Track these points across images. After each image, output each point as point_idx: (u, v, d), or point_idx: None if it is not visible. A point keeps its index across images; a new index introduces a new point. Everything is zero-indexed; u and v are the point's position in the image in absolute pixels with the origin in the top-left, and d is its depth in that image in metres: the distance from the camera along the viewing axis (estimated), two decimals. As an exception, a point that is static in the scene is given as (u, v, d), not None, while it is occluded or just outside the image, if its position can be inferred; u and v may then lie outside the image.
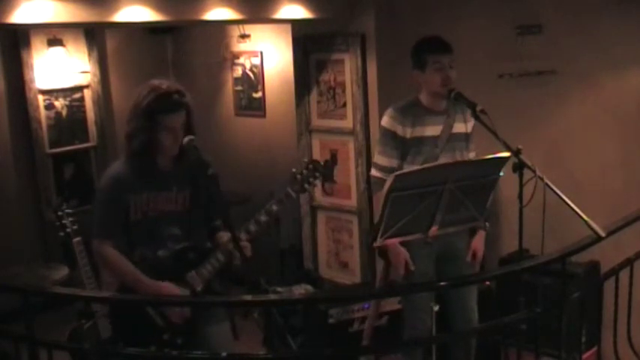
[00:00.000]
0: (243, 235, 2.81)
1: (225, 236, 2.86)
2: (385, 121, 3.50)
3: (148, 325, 2.82)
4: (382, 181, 3.40)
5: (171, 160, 2.85)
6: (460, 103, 3.34)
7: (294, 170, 3.01)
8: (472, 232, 3.56)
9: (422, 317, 3.44)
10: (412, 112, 3.45)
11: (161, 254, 2.85)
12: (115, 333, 3.01)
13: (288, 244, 5.75)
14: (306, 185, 2.99)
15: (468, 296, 3.57)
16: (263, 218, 2.86)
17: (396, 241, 3.22)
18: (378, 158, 3.52)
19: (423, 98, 3.49)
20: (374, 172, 3.53)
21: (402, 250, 3.42)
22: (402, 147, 3.44)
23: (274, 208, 2.88)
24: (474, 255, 3.57)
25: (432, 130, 3.45)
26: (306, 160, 3.01)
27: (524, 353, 2.96)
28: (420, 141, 3.44)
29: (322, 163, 3.04)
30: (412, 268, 3.41)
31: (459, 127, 3.51)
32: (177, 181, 2.86)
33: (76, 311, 3.99)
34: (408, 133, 3.43)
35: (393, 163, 3.44)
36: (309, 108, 5.36)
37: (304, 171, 2.98)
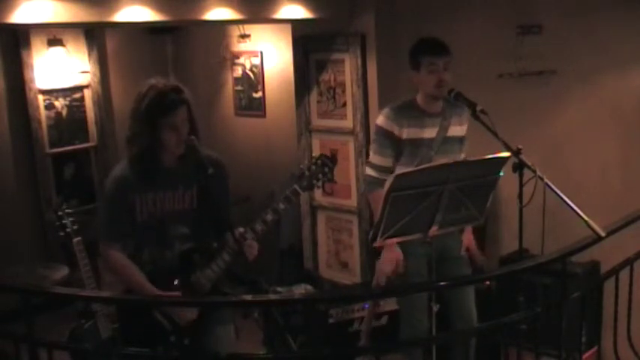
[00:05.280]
0: (249, 234, 2.77)
1: (238, 233, 2.78)
2: (381, 120, 3.49)
3: (155, 328, 2.80)
4: (377, 180, 3.41)
5: (176, 159, 2.80)
6: (457, 105, 3.34)
7: (301, 166, 2.96)
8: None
9: (419, 317, 3.43)
10: (408, 113, 3.45)
11: (168, 255, 2.82)
12: (122, 335, 2.98)
13: (288, 244, 5.75)
14: (315, 181, 2.91)
15: (465, 296, 3.57)
16: (270, 217, 2.81)
17: (394, 241, 3.22)
18: (373, 157, 3.52)
19: (420, 99, 3.49)
20: (369, 171, 3.53)
21: (397, 250, 3.41)
22: (398, 146, 3.44)
23: (281, 206, 2.82)
24: (468, 249, 3.57)
25: (428, 132, 3.45)
26: (314, 155, 2.94)
27: (524, 353, 2.95)
28: (415, 143, 3.44)
29: (329, 156, 2.97)
30: (401, 270, 3.41)
31: (455, 131, 3.51)
32: (184, 179, 2.81)
33: (76, 311, 3.99)
34: (404, 133, 3.43)
35: (388, 162, 3.44)
36: (309, 108, 5.36)
37: (312, 167, 2.91)
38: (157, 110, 2.69)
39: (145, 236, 2.82)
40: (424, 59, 3.39)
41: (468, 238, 3.59)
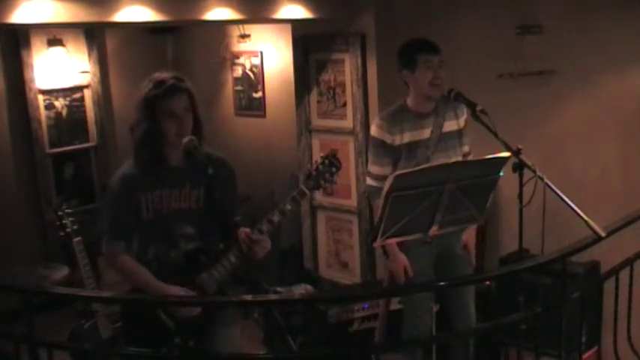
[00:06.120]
0: (255, 235, 2.76)
1: (244, 232, 2.78)
2: (373, 130, 3.52)
3: (159, 329, 2.78)
4: (378, 189, 3.43)
5: (183, 157, 2.78)
6: (451, 100, 3.35)
7: (308, 167, 2.95)
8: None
9: (422, 317, 3.44)
10: (399, 118, 3.46)
11: (173, 254, 2.81)
12: (126, 336, 2.97)
13: (288, 244, 5.75)
14: (322, 182, 2.86)
15: (466, 295, 3.57)
16: (276, 218, 2.79)
17: (394, 241, 3.22)
18: (371, 167, 3.54)
19: (410, 102, 3.50)
20: (369, 181, 3.55)
21: (402, 256, 3.43)
22: (393, 153, 3.46)
23: (288, 207, 2.80)
24: (465, 245, 3.59)
25: (422, 133, 3.46)
26: (322, 154, 2.92)
27: (524, 353, 2.95)
28: (411, 146, 3.45)
29: (336, 157, 2.95)
30: (411, 274, 3.42)
31: (451, 126, 3.51)
32: (190, 178, 2.79)
33: (76, 311, 3.99)
34: (397, 140, 3.44)
35: (387, 170, 3.45)
36: (309, 108, 5.36)
37: (320, 166, 2.86)
38: (155, 95, 2.69)
39: (150, 234, 2.80)
40: (420, 57, 3.40)
41: (468, 234, 3.59)
